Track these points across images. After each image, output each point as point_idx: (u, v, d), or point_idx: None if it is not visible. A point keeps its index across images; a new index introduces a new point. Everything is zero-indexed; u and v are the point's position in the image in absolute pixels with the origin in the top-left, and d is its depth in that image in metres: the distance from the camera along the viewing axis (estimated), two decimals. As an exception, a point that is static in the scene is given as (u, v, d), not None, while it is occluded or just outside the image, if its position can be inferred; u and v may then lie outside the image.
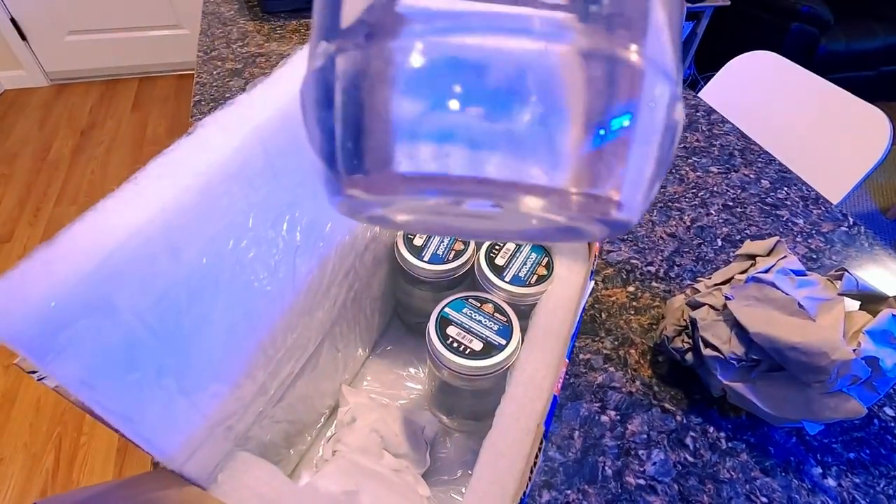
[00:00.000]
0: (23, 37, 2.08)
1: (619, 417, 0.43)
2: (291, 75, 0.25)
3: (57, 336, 0.16)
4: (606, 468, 0.40)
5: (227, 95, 0.78)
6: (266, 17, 1.00)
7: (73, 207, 1.71)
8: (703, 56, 2.08)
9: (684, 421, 0.43)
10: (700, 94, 0.92)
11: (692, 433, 0.43)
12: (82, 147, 1.94)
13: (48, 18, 2.07)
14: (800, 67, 0.90)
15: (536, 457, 0.22)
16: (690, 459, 0.41)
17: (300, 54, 0.26)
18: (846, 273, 0.39)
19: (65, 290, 0.16)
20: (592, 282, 0.30)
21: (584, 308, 0.31)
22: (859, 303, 0.39)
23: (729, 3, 1.93)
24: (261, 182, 0.23)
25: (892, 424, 0.44)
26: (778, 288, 0.38)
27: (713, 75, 0.98)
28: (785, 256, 0.41)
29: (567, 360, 0.27)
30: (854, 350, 0.35)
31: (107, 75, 2.30)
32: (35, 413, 1.19)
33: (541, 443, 0.22)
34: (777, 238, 0.43)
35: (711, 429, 0.43)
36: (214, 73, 0.83)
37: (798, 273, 0.40)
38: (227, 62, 0.85)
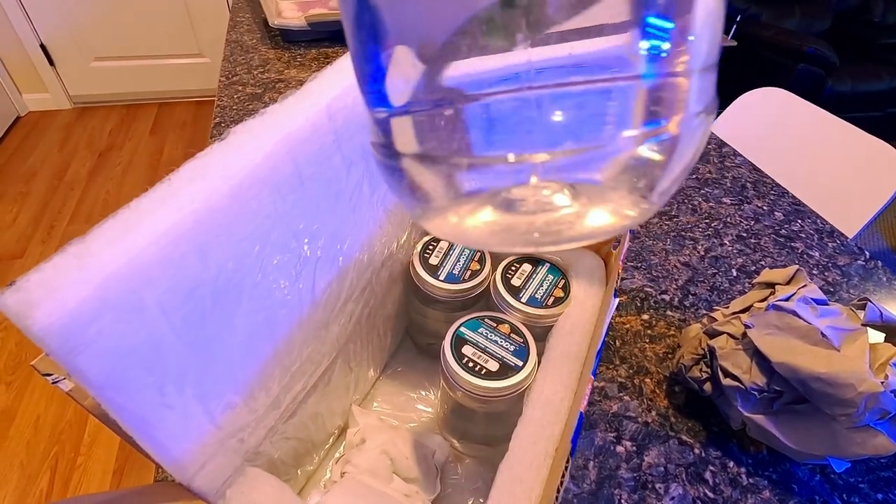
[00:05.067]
0: (51, 62, 2.16)
1: (635, 448, 0.42)
2: (321, 88, 0.25)
3: (86, 330, 0.15)
4: (623, 502, 0.39)
5: (247, 118, 0.79)
6: (287, 45, 1.03)
7: (87, 226, 1.71)
8: (711, 94, 2.12)
9: (703, 454, 0.42)
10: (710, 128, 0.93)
11: (711, 467, 0.41)
12: (99, 168, 1.98)
13: (76, 45, 2.16)
14: (810, 104, 0.91)
15: (563, 475, 0.21)
16: (710, 495, 0.39)
17: (329, 69, 0.27)
18: (869, 303, 0.38)
19: (95, 284, 0.16)
20: (617, 299, 0.30)
21: (608, 326, 0.30)
22: (884, 334, 0.38)
23: (736, 43, 1.97)
24: (288, 190, 0.23)
25: (921, 464, 0.42)
26: (799, 316, 0.38)
27: (721, 113, 0.99)
28: (805, 285, 0.40)
29: (592, 377, 0.27)
30: (882, 383, 0.34)
31: (128, 100, 2.38)
32: (33, 431, 1.17)
33: (567, 461, 0.22)
34: (797, 266, 0.42)
35: (731, 463, 0.42)
36: (235, 97, 0.85)
37: (819, 302, 0.39)
38: (247, 87, 0.88)
